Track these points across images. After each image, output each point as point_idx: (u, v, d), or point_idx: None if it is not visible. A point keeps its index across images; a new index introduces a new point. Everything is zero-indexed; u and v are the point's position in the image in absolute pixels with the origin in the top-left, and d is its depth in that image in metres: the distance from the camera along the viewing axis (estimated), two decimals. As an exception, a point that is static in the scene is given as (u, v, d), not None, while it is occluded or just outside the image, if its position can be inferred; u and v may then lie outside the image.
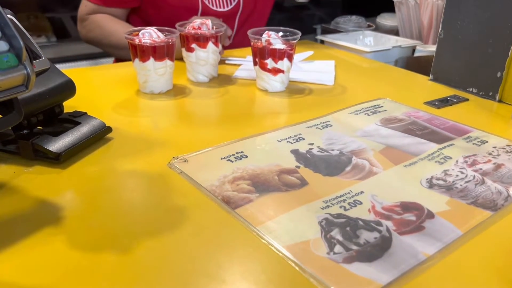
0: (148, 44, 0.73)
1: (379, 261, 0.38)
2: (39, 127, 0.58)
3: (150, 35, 0.75)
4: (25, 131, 0.55)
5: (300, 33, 0.79)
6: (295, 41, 0.79)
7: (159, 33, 0.76)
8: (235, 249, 0.40)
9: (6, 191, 0.48)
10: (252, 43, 0.79)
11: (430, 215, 0.45)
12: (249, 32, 0.79)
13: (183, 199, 0.48)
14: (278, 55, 0.77)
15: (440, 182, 0.52)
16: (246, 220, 0.44)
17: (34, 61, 0.56)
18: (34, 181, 0.50)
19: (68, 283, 0.36)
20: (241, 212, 0.45)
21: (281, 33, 0.79)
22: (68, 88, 0.59)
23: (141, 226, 0.43)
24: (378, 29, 1.43)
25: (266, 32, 0.78)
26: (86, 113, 0.61)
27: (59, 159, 0.53)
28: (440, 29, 0.85)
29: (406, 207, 0.47)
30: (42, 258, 0.38)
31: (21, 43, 0.41)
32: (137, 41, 0.74)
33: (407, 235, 0.42)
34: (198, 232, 0.43)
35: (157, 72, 0.76)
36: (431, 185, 0.51)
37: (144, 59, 0.75)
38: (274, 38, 0.77)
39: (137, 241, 0.41)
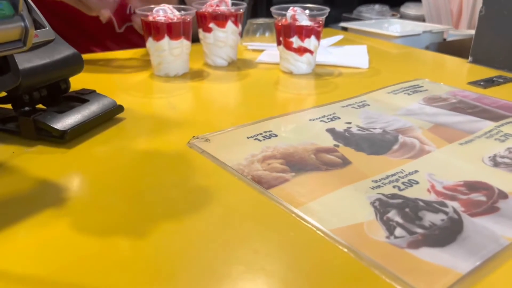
0: (162, 21, 0.67)
1: (453, 246, 0.31)
2: (42, 107, 0.51)
3: (164, 12, 0.68)
4: (26, 108, 0.49)
5: (328, 9, 0.72)
6: (323, 18, 0.72)
7: (175, 11, 0.69)
8: (273, 233, 0.33)
9: (3, 171, 0.42)
10: (275, 21, 0.73)
11: (503, 195, 0.38)
12: (272, 9, 0.72)
13: (207, 179, 0.41)
14: (305, 32, 0.70)
15: (506, 160, 0.44)
16: (283, 201, 0.37)
17: (37, 31, 0.51)
18: (35, 161, 0.44)
19: (73, 269, 0.29)
20: (276, 193, 0.38)
21: (307, 10, 0.72)
22: (75, 62, 0.53)
23: (159, 208, 0.36)
24: (403, 18, 1.35)
25: (291, 8, 0.71)
26: (95, 91, 0.55)
27: (64, 138, 0.46)
28: (480, 6, 0.78)
29: (472, 186, 0.39)
30: (45, 241, 0.32)
31: (18, -11, 0.34)
32: (150, 18, 0.68)
33: (480, 216, 0.35)
34: (227, 214, 0.36)
35: (172, 53, 0.70)
36: (495, 163, 0.43)
37: (158, 37, 0.68)
38: (300, 14, 0.70)
39: (155, 224, 0.34)
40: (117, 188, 0.39)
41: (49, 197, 0.38)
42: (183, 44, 0.70)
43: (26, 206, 0.36)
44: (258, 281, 0.29)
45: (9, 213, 0.35)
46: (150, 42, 0.69)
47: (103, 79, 0.72)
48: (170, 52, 0.69)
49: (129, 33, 0.93)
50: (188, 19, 0.69)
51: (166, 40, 0.68)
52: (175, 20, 0.68)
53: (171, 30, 0.68)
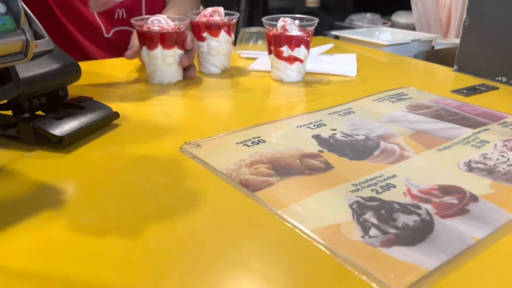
0: (156, 31, 0.70)
1: (422, 245, 0.34)
2: (41, 113, 0.54)
3: (159, 21, 0.71)
4: (26, 115, 0.51)
5: (317, 20, 0.75)
6: (312, 28, 0.74)
7: (169, 21, 0.72)
8: (257, 233, 0.36)
9: (4, 175, 0.44)
10: (267, 31, 0.75)
11: (474, 198, 0.40)
12: (263, 19, 0.75)
13: (197, 182, 0.43)
14: (294, 42, 0.73)
15: (480, 165, 0.47)
16: (268, 204, 0.39)
17: (36, 41, 0.53)
18: (34, 165, 0.46)
19: (70, 268, 0.31)
20: (262, 195, 0.40)
21: (297, 21, 0.75)
22: (73, 71, 0.55)
23: (151, 210, 0.38)
24: (394, 26, 1.38)
25: (282, 18, 0.74)
26: (92, 98, 0.57)
27: (62, 143, 0.48)
28: (464, 16, 0.81)
29: (446, 190, 0.42)
30: (42, 241, 0.34)
31: (20, 5, 0.37)
32: (145, 28, 0.70)
33: (450, 218, 0.37)
34: (214, 215, 0.38)
35: (166, 61, 0.72)
36: (470, 168, 0.46)
37: (152, 47, 0.71)
38: (290, 25, 0.73)
39: (147, 225, 0.36)
40: (112, 191, 0.42)
41: (47, 199, 0.40)
42: (176, 53, 0.73)
43: (25, 207, 0.38)
44: (240, 277, 0.31)
45: (9, 214, 0.37)
46: (144, 51, 0.72)
47: (99, 86, 0.74)
48: (163, 61, 0.72)
49: (117, 38, 0.94)
50: (181, 29, 0.72)
51: (159, 49, 0.71)
52: (169, 30, 0.70)
53: (164, 39, 0.70)
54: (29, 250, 0.33)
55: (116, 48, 0.96)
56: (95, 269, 0.31)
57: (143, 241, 0.34)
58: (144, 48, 0.72)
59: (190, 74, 0.77)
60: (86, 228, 0.36)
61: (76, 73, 0.56)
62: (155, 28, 0.70)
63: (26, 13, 0.38)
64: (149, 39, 0.70)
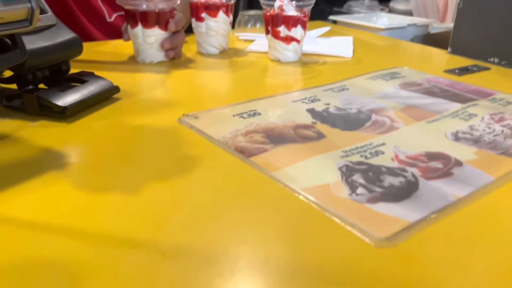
0: (135, 9, 0.71)
1: (406, 201, 0.36)
2: (44, 87, 0.55)
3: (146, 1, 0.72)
4: (30, 87, 0.53)
5: (314, 0, 0.76)
6: (309, 8, 0.76)
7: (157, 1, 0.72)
8: (251, 192, 0.38)
9: (9, 141, 0.46)
10: (264, 11, 0.77)
11: (458, 163, 0.42)
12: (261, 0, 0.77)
13: (194, 149, 0.45)
14: (291, 22, 0.74)
15: (467, 135, 0.49)
16: (262, 167, 0.41)
17: (40, 16, 0.55)
18: (38, 133, 0.48)
19: (74, 220, 0.33)
20: (256, 160, 0.42)
21: (294, 1, 0.77)
22: (75, 45, 0.57)
23: (151, 172, 0.40)
24: (392, 12, 1.40)
25: (279, -1, 0.75)
26: (93, 73, 0.59)
27: (65, 113, 0.50)
28: (459, -2, 0.82)
29: (432, 156, 0.44)
30: (48, 197, 0.36)
31: (25, -26, 0.39)
32: (128, 6, 0.71)
33: (434, 180, 0.39)
34: (210, 178, 0.40)
35: (146, 40, 0.74)
36: (456, 138, 0.48)
37: (133, 25, 0.73)
38: (287, 5, 0.74)
39: (146, 184, 0.38)
40: (113, 156, 0.44)
41: (52, 162, 0.42)
42: (157, 33, 0.73)
43: (32, 169, 0.40)
44: (236, 231, 0.33)
45: (17, 174, 0.39)
46: (128, 29, 0.74)
47: (100, 63, 0.76)
48: (144, 40, 0.73)
49: (119, 23, 0.96)
50: (164, 10, 0.72)
51: (139, 28, 0.72)
52: (150, 9, 0.71)
53: (145, 18, 0.71)
54: (37, 204, 0.35)
55: (118, 32, 0.97)
56: (98, 221, 0.33)
57: (142, 198, 0.36)
58: (128, 26, 0.73)
59: (168, 54, 0.77)
60: (89, 186, 0.38)
61: (78, 47, 0.57)
62: (137, 7, 0.71)
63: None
64: (131, 17, 0.72)
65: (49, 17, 0.55)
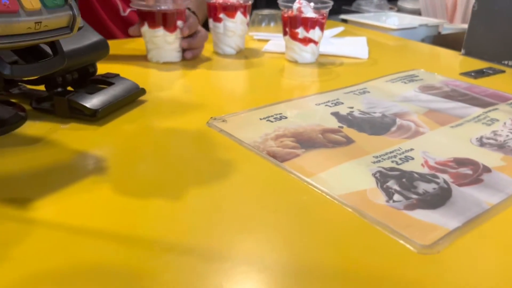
0: (140, 9, 0.72)
1: (442, 208, 0.37)
2: (70, 88, 0.56)
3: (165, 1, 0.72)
4: (59, 89, 0.54)
5: (332, 2, 0.77)
6: (327, 10, 0.77)
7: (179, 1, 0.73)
8: (288, 197, 0.39)
9: (44, 144, 0.47)
10: (282, 12, 0.77)
11: (487, 170, 0.43)
12: (279, 1, 0.77)
13: (227, 153, 0.46)
14: (309, 24, 0.75)
15: (491, 141, 0.50)
16: (296, 172, 0.42)
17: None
18: (71, 136, 0.49)
19: (122, 225, 0.34)
20: (289, 165, 0.43)
21: (312, 3, 0.77)
22: (102, 47, 0.58)
23: (188, 176, 0.41)
24: (400, 11, 1.40)
25: (297, 1, 0.76)
26: (119, 75, 0.60)
27: (96, 116, 0.51)
28: (474, 1, 0.83)
29: (460, 162, 0.45)
30: (88, 203, 0.37)
31: (67, -18, 0.39)
32: (134, 5, 0.72)
33: (466, 186, 0.40)
34: (247, 181, 0.41)
35: (152, 41, 0.75)
36: (481, 143, 0.49)
37: (141, 24, 0.74)
38: (305, 7, 0.75)
39: (186, 189, 0.39)
40: (148, 160, 0.45)
41: (90, 165, 0.43)
42: (161, 33, 0.73)
43: (70, 173, 0.41)
44: (277, 235, 0.34)
45: (58, 178, 0.40)
46: (139, 26, 0.75)
47: (120, 64, 0.76)
48: (150, 40, 0.75)
49: (133, 18, 0.97)
50: (170, 12, 0.72)
51: (145, 27, 0.73)
52: (153, 10, 0.71)
53: (151, 18, 0.72)
54: (83, 209, 0.36)
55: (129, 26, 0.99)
56: (145, 225, 0.34)
57: (184, 203, 0.37)
58: (139, 24, 0.75)
59: (185, 54, 0.78)
60: (130, 191, 0.39)
61: (104, 49, 0.58)
62: (142, 7, 0.72)
63: (71, -10, 0.41)
64: (139, 16, 0.74)
65: (77, 19, 0.56)
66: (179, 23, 0.74)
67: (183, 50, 0.78)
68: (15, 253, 0.31)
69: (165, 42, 0.75)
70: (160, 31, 0.73)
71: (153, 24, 0.73)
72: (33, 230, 0.33)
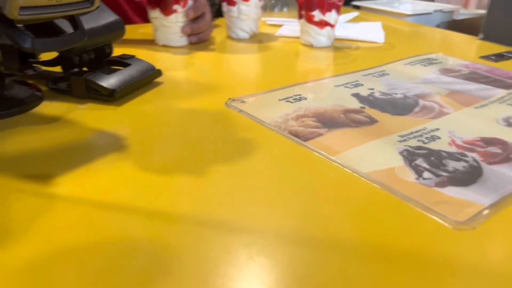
0: None
1: (475, 186, 0.36)
2: (85, 69, 0.55)
3: None
4: (75, 69, 0.53)
5: (348, -16, 0.76)
6: (343, -7, 0.75)
7: None
8: (314, 175, 0.38)
9: (62, 123, 0.46)
10: (298, -5, 0.76)
11: (517, 149, 0.42)
12: (295, -17, 0.76)
13: (248, 132, 0.45)
14: (326, 6, 0.74)
15: (518, 121, 0.48)
16: (320, 151, 0.41)
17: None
18: (89, 115, 0.48)
19: (147, 201, 0.33)
20: (313, 144, 0.42)
21: (327, -14, 0.76)
22: (118, 27, 0.57)
23: (210, 154, 0.40)
24: (413, -2, 1.38)
25: (313, -18, 0.75)
26: (135, 56, 0.59)
27: (114, 95, 0.50)
28: (492, -16, 0.81)
29: (488, 141, 0.44)
30: (110, 179, 0.36)
31: (87, -46, 0.38)
32: None
33: (496, 164, 0.39)
34: (271, 159, 0.40)
35: (153, 22, 0.75)
36: (509, 123, 0.48)
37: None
38: (321, -11, 0.74)
39: (208, 166, 0.38)
40: (169, 138, 0.44)
41: (111, 144, 0.42)
42: (157, 15, 0.73)
43: (90, 151, 0.40)
44: (305, 212, 0.33)
45: (80, 156, 0.39)
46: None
47: (134, 48, 0.75)
48: (153, 21, 0.74)
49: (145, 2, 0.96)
50: None
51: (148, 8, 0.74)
52: None
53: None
54: (108, 185, 0.35)
55: (145, 11, 0.97)
56: (170, 201, 0.33)
57: (207, 180, 0.36)
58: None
59: (190, 39, 0.77)
60: (153, 167, 0.38)
61: (121, 30, 0.57)
62: None
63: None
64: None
65: (93, -1, 0.55)
66: (176, 6, 0.72)
67: (188, 35, 0.77)
68: (38, 228, 0.30)
69: (162, 25, 0.74)
70: (156, 13, 0.73)
71: (151, 6, 0.73)
72: (56, 205, 0.32)
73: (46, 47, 0.38)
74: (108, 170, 0.37)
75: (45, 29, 0.42)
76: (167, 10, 0.72)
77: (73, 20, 0.40)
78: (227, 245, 0.29)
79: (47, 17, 0.36)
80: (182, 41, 0.76)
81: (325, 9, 0.74)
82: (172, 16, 0.73)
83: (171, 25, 0.74)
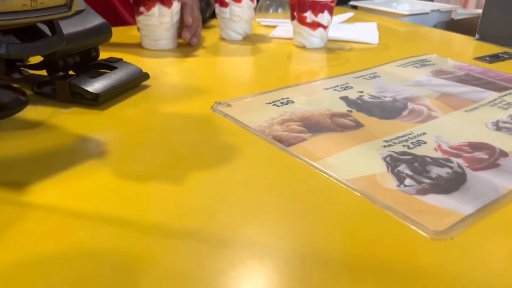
0: None
1: (456, 194, 0.35)
2: (72, 73, 0.55)
3: None
4: (61, 73, 0.53)
5: (341, -15, 0.75)
6: (336, -6, 0.75)
7: None
8: (294, 182, 0.37)
9: (44, 128, 0.45)
10: (290, -4, 0.75)
11: (504, 154, 0.41)
12: (287, -16, 0.75)
13: (231, 137, 0.45)
14: (318, 7, 0.73)
15: (508, 125, 0.47)
16: (302, 157, 0.40)
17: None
18: (72, 120, 0.47)
19: (121, 209, 0.33)
20: (296, 149, 0.42)
21: (320, -13, 0.75)
22: (104, 31, 0.56)
23: (191, 160, 0.40)
24: (411, -2, 1.37)
25: (305, -17, 0.74)
26: (122, 59, 0.58)
27: (97, 100, 0.50)
28: (488, -16, 0.80)
29: (475, 146, 0.43)
30: (88, 187, 0.36)
31: (64, -42, 0.38)
32: None
33: (481, 171, 0.38)
34: (252, 166, 0.39)
35: (139, 25, 0.74)
36: (498, 127, 0.47)
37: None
38: (314, -10, 0.73)
39: (189, 173, 0.38)
40: (151, 144, 0.43)
41: (91, 150, 0.41)
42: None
43: (71, 157, 0.40)
44: (282, 219, 0.32)
45: (59, 162, 0.39)
46: None
47: (123, 50, 0.75)
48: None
49: None
50: None
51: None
52: None
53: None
54: (83, 193, 0.35)
55: None
56: (145, 210, 0.33)
57: (186, 186, 0.36)
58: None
59: (191, 41, 0.76)
60: (131, 174, 0.37)
61: (107, 33, 0.57)
62: None
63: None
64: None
65: (79, 2, 0.54)
66: (142, 9, 0.71)
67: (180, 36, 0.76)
68: (10, 236, 0.30)
69: (146, 28, 0.73)
70: (142, 16, 0.72)
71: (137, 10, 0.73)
72: (30, 213, 0.32)
73: (21, 52, 0.37)
74: (85, 177, 0.37)
75: (28, 33, 0.41)
76: (136, 12, 0.72)
77: (52, 25, 0.40)
78: (197, 256, 0.28)
79: (22, 23, 0.35)
80: (170, 44, 0.75)
81: (317, 10, 0.73)
82: (158, 19, 0.72)
83: (156, 29, 0.73)
